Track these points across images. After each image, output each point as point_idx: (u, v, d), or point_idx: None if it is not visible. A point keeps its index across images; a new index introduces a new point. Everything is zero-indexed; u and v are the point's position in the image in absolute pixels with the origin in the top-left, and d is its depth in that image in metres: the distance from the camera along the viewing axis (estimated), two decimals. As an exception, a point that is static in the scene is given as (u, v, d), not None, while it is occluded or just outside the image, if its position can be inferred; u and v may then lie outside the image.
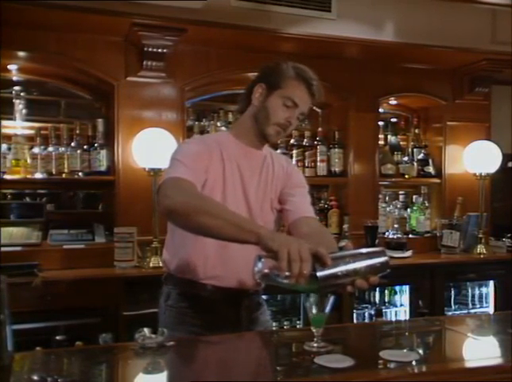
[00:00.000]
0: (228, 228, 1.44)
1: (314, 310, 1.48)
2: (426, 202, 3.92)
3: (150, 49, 3.06)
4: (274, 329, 3.11)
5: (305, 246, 1.31)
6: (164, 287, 1.87)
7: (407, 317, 3.49)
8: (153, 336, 1.47)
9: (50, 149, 3.14)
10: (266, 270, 1.37)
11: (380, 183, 3.83)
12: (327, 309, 1.48)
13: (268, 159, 1.90)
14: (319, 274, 1.31)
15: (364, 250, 1.43)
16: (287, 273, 1.30)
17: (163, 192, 1.60)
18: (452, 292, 3.71)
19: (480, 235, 3.74)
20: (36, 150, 3.12)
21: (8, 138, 3.09)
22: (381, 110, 3.93)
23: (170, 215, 1.57)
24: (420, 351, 1.54)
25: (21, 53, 3.08)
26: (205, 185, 1.72)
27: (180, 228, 1.64)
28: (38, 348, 1.85)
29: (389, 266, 1.42)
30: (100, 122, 3.22)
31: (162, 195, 1.59)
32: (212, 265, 1.76)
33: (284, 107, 1.77)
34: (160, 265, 2.96)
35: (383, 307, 3.57)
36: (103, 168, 3.17)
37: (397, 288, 3.59)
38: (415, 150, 4.03)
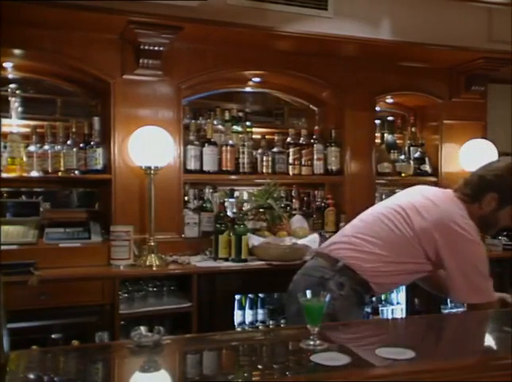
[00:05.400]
0: None
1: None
2: (422, 200, 3.92)
3: (146, 47, 3.05)
4: (271, 327, 3.12)
5: None
6: (339, 276, 2.04)
7: (403, 315, 3.50)
8: (149, 334, 1.47)
9: (46, 147, 3.13)
10: None
11: (376, 181, 3.83)
12: (324, 307, 1.49)
13: None
14: None
15: None
16: None
17: None
18: (449, 290, 3.71)
19: (476, 234, 3.74)
20: (32, 148, 3.10)
21: (4, 136, 3.07)
22: (377, 108, 3.93)
23: None
24: (417, 349, 1.54)
25: (17, 51, 3.07)
26: None
27: None
28: (34, 347, 1.84)
29: None
30: (96, 121, 3.21)
31: None
32: (391, 287, 2.24)
33: None
34: (157, 264, 2.96)
35: (380, 305, 3.57)
36: (99, 166, 3.16)
37: (394, 286, 3.59)
38: (411, 148, 4.03)
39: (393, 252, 2.06)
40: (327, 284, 2.04)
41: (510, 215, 1.96)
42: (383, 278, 2.08)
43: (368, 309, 3.53)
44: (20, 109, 3.25)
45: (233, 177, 3.45)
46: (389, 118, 4.23)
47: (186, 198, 3.42)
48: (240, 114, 3.66)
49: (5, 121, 3.18)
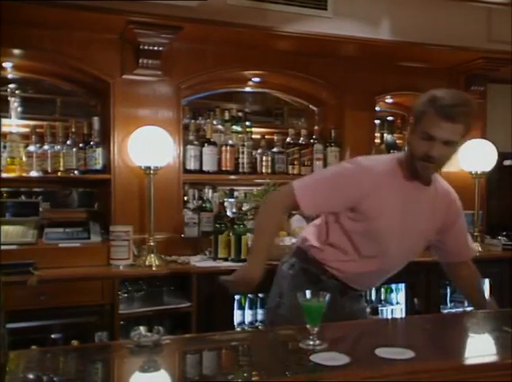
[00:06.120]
0: None
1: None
2: (422, 200, 3.92)
3: (146, 47, 3.05)
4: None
5: None
6: (291, 258, 2.09)
7: (403, 315, 3.50)
8: (149, 334, 1.47)
9: (45, 147, 3.13)
10: None
11: (376, 181, 3.83)
12: (324, 307, 1.49)
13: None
14: None
15: None
16: None
17: None
18: (448, 290, 3.72)
19: (476, 234, 3.73)
20: (31, 148, 3.11)
21: (3, 136, 3.07)
22: (377, 108, 3.93)
23: None
24: (416, 349, 1.54)
25: (17, 51, 3.07)
26: None
27: None
28: (34, 347, 1.84)
29: None
30: (96, 121, 3.21)
31: None
32: (350, 269, 1.97)
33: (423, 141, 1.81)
34: (157, 263, 2.97)
35: (379, 305, 3.57)
36: (99, 166, 3.16)
37: (393, 286, 3.59)
38: (411, 148, 4.03)
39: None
40: (282, 266, 2.13)
41: (417, 137, 1.79)
42: (325, 253, 2.00)
43: (368, 309, 3.53)
44: (19, 109, 3.25)
45: (232, 177, 3.45)
46: (389, 118, 4.23)
47: (185, 198, 3.42)
48: (240, 114, 3.67)
49: (4, 121, 3.18)
